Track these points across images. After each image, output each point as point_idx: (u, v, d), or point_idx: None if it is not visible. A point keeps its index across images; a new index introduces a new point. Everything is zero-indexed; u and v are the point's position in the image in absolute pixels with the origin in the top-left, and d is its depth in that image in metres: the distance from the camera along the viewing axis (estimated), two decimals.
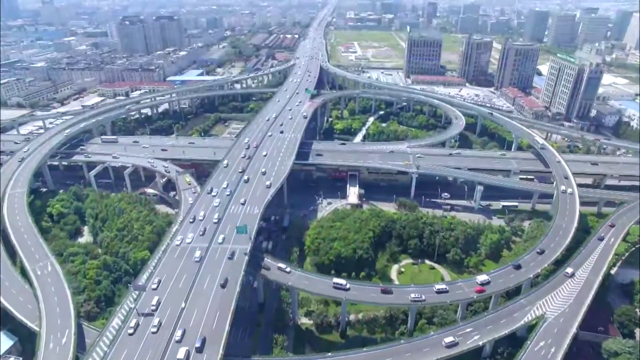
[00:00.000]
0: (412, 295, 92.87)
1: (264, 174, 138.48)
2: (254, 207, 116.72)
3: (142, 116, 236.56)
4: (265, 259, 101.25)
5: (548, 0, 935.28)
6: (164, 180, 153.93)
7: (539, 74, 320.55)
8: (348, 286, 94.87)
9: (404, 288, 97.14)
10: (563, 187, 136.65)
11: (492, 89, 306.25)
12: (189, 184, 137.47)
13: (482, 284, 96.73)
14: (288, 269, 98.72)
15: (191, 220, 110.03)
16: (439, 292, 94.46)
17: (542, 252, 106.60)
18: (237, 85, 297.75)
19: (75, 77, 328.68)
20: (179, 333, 73.29)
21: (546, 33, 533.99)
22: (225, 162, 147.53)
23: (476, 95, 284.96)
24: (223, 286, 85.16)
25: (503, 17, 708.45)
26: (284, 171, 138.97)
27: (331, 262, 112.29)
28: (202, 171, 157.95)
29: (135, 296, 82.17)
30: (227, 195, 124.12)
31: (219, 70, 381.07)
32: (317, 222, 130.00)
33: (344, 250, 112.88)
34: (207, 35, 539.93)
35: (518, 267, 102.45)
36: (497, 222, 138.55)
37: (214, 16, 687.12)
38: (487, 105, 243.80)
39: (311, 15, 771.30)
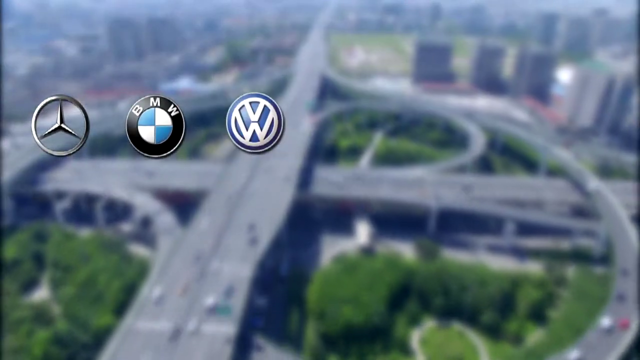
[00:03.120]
0: None
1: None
2: (241, 265, 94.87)
3: None
4: None
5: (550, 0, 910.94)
6: (141, 214, 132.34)
7: (555, 81, 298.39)
8: None
9: None
10: (593, 184, 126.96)
11: (507, 99, 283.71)
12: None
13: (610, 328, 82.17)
14: None
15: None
16: None
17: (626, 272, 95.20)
18: (232, 95, 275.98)
19: (60, 85, 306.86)
20: None
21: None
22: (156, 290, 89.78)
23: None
24: None
25: (509, 18, 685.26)
26: (281, 209, 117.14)
27: (339, 332, 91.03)
28: (187, 201, 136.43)
29: None
30: None
31: (213, 77, 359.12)
32: (321, 273, 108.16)
33: (356, 317, 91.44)
34: (203, 38, 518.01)
35: (621, 297, 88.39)
36: (532, 266, 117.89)
37: (211, 17, 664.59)
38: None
39: (311, 17, 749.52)
